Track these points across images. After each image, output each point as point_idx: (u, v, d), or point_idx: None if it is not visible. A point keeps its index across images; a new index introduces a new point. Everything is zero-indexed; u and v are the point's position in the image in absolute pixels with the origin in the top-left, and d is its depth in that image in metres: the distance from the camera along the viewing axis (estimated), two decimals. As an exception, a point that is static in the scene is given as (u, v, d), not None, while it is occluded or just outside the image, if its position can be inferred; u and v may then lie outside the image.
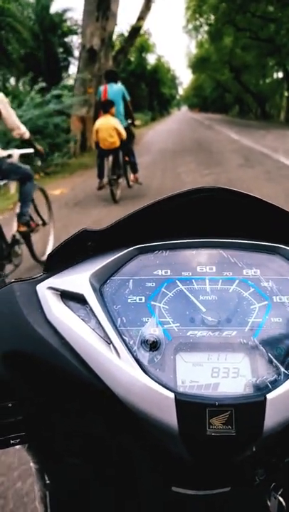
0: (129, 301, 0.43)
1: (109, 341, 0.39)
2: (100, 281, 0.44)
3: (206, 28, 32.85)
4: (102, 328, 0.39)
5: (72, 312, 0.41)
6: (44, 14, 16.09)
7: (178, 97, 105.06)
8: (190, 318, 0.41)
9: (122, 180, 6.51)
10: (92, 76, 11.82)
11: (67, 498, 0.50)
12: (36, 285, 0.44)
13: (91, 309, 0.41)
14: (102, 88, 6.72)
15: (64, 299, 0.42)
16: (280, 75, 40.57)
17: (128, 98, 6.66)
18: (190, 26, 33.62)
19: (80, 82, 11.90)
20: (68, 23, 17.21)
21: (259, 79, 42.38)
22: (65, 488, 0.49)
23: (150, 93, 49.72)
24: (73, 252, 0.47)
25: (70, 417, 0.44)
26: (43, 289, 0.43)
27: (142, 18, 13.52)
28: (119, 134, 5.84)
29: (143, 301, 0.43)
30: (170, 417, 0.35)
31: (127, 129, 6.46)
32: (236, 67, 39.03)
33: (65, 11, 16.70)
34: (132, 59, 47.54)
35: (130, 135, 6.61)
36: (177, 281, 0.44)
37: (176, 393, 0.36)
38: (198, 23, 32.26)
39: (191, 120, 39.02)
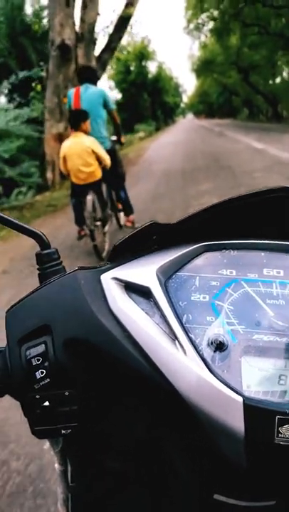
0: (192, 298, 0.42)
1: (174, 337, 0.38)
2: (166, 276, 0.43)
3: (209, 26, 30.03)
4: (168, 323, 0.38)
5: (136, 305, 0.40)
6: (15, 15, 13.32)
7: (182, 104, 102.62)
8: (256, 321, 0.40)
9: (109, 226, 4.39)
10: (67, 81, 8.84)
11: (89, 502, 0.50)
12: (101, 274, 0.44)
13: (156, 303, 0.40)
14: (72, 92, 4.04)
15: (128, 291, 0.42)
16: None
17: (113, 106, 4.22)
18: (191, 26, 30.77)
19: (51, 90, 8.92)
20: (45, 23, 14.32)
21: (269, 78, 39.30)
22: (89, 491, 0.49)
23: (153, 103, 47.09)
24: (139, 244, 0.47)
25: (126, 413, 0.43)
26: (107, 279, 0.43)
27: (131, 4, 10.53)
28: (99, 159, 3.69)
29: (207, 299, 0.42)
30: (237, 421, 0.34)
31: (112, 151, 4.07)
32: (244, 68, 36.04)
33: (41, 8, 13.87)
34: (132, 68, 45.14)
35: (116, 160, 4.12)
36: (242, 282, 0.43)
37: (245, 397, 0.35)
38: (200, 21, 29.39)
39: (198, 128, 36.03)
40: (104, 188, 4.05)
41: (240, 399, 0.35)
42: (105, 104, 4.10)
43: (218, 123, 40.81)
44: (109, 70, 47.77)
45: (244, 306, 0.41)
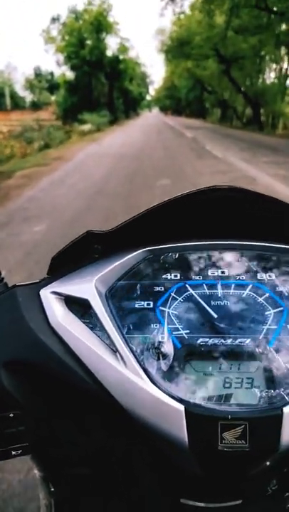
0: (136, 306, 0.42)
1: (115, 349, 0.38)
2: (106, 286, 0.42)
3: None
4: (108, 335, 0.38)
5: (76, 318, 0.40)
6: None
7: (149, 97, 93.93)
8: (200, 324, 0.40)
9: None
10: None
11: (72, 507, 0.49)
12: (39, 289, 0.43)
13: (96, 315, 0.40)
14: None
15: (68, 305, 0.41)
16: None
17: None
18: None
19: None
20: None
21: (253, 76, 31.87)
22: (70, 496, 0.48)
23: (111, 88, 38.08)
24: (78, 254, 0.46)
25: (75, 427, 0.42)
26: (46, 293, 0.42)
27: None
28: None
29: (151, 306, 0.41)
30: (180, 430, 0.34)
31: None
32: (226, 59, 28.19)
33: None
34: (89, 42, 35.83)
35: None
36: (187, 285, 0.43)
37: (187, 405, 0.35)
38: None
39: (164, 128, 27.64)
40: None
41: (181, 407, 0.34)
42: None
43: (187, 124, 32.65)
44: (59, 40, 38.36)
45: (188, 310, 0.41)
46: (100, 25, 32.44)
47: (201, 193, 0.42)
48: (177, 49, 28.36)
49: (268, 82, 31.70)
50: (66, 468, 0.44)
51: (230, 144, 13.63)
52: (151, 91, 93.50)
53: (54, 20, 36.03)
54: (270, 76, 32.92)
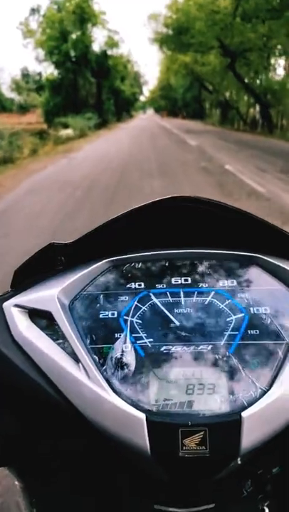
0: (100, 316, 0.42)
1: (77, 360, 0.38)
2: (70, 297, 0.43)
3: None
4: (71, 346, 0.39)
5: (40, 331, 0.41)
6: None
7: (143, 98, 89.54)
8: (164, 332, 0.41)
9: None
10: None
11: None
12: (2, 303, 0.43)
13: (59, 327, 0.40)
14: None
15: (32, 317, 0.42)
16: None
17: None
18: None
19: None
20: None
21: (261, 71, 27.69)
22: (52, 506, 0.48)
23: (99, 87, 33.71)
24: (42, 266, 0.47)
25: (46, 440, 0.43)
26: (9, 306, 0.42)
27: None
28: None
29: (115, 316, 0.42)
30: (142, 438, 0.35)
31: None
32: (231, 51, 23.93)
33: None
34: (74, 36, 31.54)
35: None
36: (151, 293, 0.44)
37: (148, 414, 0.36)
38: None
39: (160, 132, 23.29)
40: None
41: (143, 416, 0.35)
42: None
43: (186, 127, 28.28)
44: (40, 32, 34.03)
45: (152, 318, 0.42)
46: (84, 13, 28.07)
47: (160, 203, 0.44)
48: (174, 38, 23.92)
49: (276, 79, 27.61)
50: (42, 479, 0.45)
51: (258, 160, 9.30)
52: (146, 91, 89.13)
53: (34, 11, 31.67)
54: (278, 73, 28.91)
